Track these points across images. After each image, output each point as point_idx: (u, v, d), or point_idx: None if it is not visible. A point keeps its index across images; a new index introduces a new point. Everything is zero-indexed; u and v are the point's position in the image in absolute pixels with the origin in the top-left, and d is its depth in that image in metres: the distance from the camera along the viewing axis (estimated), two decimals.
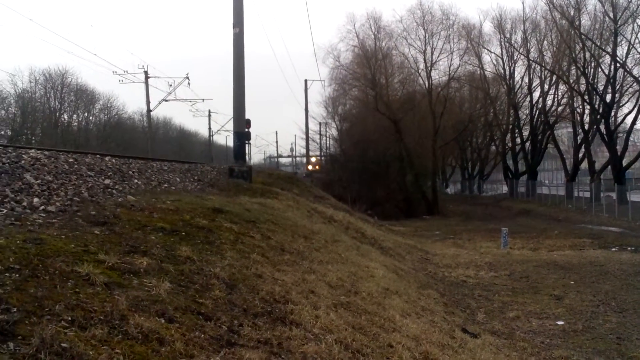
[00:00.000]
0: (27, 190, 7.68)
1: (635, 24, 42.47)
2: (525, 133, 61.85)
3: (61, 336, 3.60)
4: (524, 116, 62.21)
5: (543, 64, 54.15)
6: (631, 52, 43.53)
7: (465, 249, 22.91)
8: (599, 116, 45.39)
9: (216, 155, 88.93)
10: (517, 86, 61.53)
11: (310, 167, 71.73)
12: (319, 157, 72.88)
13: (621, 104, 47.06)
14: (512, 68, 60.53)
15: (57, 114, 65.03)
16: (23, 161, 9.15)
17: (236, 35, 21.79)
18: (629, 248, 21.93)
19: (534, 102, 59.28)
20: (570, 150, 59.41)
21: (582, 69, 45.85)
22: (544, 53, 54.31)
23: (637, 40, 42.67)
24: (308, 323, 6.07)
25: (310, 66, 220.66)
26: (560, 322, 11.10)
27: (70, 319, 3.92)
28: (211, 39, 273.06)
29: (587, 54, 45.43)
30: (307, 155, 67.49)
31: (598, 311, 11.90)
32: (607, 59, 45.23)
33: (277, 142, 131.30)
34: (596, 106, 45.70)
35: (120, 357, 3.67)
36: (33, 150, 10.74)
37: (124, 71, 52.07)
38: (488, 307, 12.51)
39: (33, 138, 58.35)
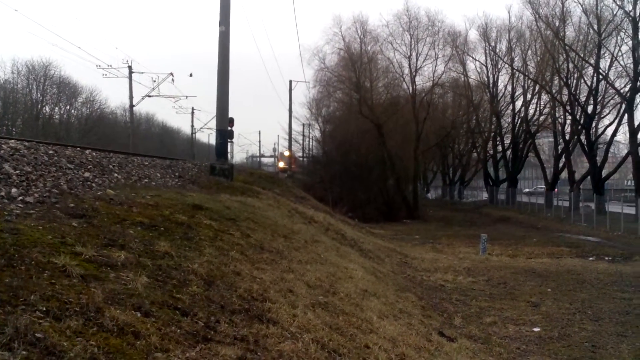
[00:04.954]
0: (5, 180, 7.59)
1: (618, 37, 42.96)
2: (507, 141, 62.38)
3: (35, 326, 3.57)
4: (506, 124, 62.73)
5: (526, 74, 54.64)
6: (614, 65, 43.99)
7: (444, 254, 23.01)
8: (580, 127, 45.85)
9: (198, 152, 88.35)
10: (500, 94, 62.09)
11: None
12: (295, 156, 71.71)
13: (602, 116, 47.71)
14: (495, 76, 61.12)
15: (39, 106, 64.28)
16: (2, 151, 9.03)
17: (222, 34, 21.68)
18: (606, 258, 22.16)
19: (516, 110, 59.87)
20: (550, 160, 59.94)
21: (565, 80, 46.26)
22: (528, 63, 54.84)
23: (620, 53, 43.12)
24: (285, 321, 6.06)
25: (296, 67, 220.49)
26: (536, 329, 11.17)
27: (45, 309, 3.89)
28: (197, 36, 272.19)
29: (571, 65, 45.85)
30: (290, 152, 66.85)
31: (574, 319, 11.99)
32: (590, 70, 45.72)
33: (259, 141, 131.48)
34: (577, 117, 46.16)
35: (95, 349, 3.64)
36: (13, 141, 10.62)
37: (108, 65, 51.71)
38: (465, 312, 12.56)
39: (13, 129, 57.67)
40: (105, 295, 4.55)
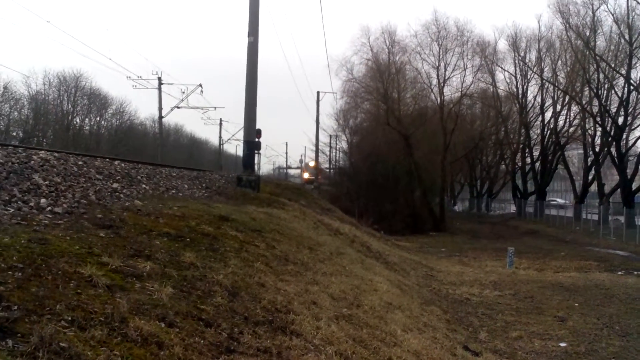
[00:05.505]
0: (35, 190, 7.71)
1: None
2: (536, 153, 61.83)
3: (60, 335, 3.62)
4: (535, 136, 62.19)
5: (556, 84, 54.16)
6: None
7: (471, 267, 22.82)
8: (610, 139, 45.28)
9: (226, 163, 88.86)
10: (530, 105, 61.69)
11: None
12: (321, 168, 71.47)
13: (633, 127, 47.00)
14: (525, 87, 60.69)
15: (70, 117, 65.25)
16: (32, 162, 9.19)
17: (250, 44, 21.82)
18: (635, 272, 21.81)
19: (545, 122, 59.39)
20: (580, 172, 59.25)
21: (595, 91, 45.77)
22: (558, 73, 54.39)
23: None
24: (309, 334, 6.05)
25: (323, 77, 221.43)
26: (563, 344, 11.02)
27: (70, 319, 3.93)
28: (225, 46, 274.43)
29: (601, 76, 45.35)
30: (316, 163, 66.84)
31: (602, 334, 11.82)
32: (621, 81, 45.17)
33: (286, 153, 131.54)
34: (608, 128, 45.60)
35: (119, 359, 3.68)
36: (43, 152, 10.79)
37: (138, 76, 52.48)
38: (491, 326, 12.44)
39: (44, 140, 58.57)
40: (130, 306, 4.60)
